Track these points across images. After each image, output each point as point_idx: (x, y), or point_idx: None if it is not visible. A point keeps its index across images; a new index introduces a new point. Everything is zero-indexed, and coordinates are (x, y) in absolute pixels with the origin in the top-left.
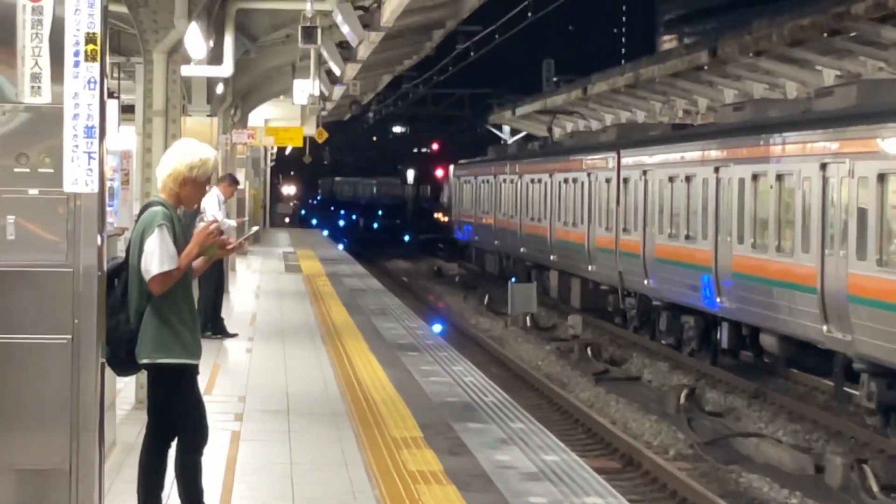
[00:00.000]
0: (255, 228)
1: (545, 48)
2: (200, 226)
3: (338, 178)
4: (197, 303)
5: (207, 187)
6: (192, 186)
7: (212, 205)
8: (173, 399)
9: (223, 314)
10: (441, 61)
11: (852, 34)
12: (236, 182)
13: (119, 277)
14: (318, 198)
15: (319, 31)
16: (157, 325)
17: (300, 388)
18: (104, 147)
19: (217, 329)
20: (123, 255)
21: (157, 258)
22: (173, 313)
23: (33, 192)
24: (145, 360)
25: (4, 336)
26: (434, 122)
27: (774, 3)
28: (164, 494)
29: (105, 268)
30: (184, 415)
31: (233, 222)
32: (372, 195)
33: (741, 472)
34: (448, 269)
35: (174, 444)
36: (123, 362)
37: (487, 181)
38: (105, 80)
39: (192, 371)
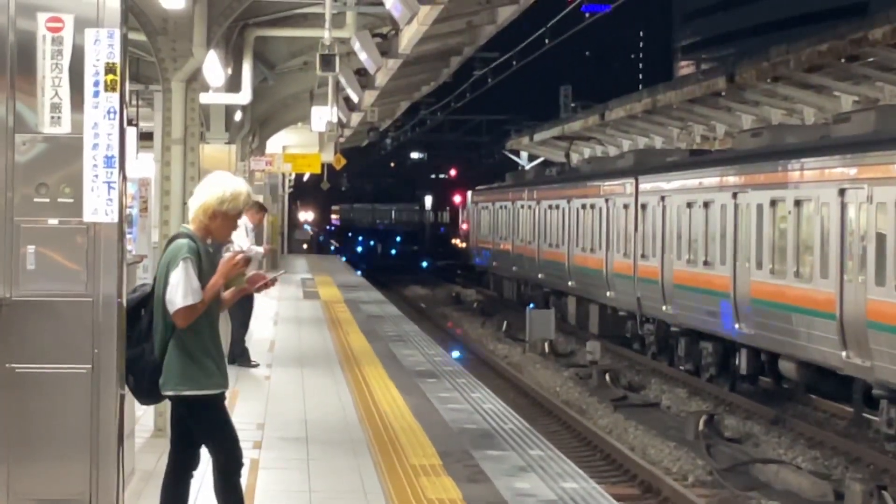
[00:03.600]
0: (282, 271)
1: (562, 74)
2: (226, 256)
3: (356, 205)
4: (231, 334)
5: (238, 221)
6: (222, 220)
7: (239, 233)
8: (202, 429)
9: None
10: (458, 88)
11: (870, 60)
12: (264, 209)
13: (146, 307)
14: (335, 224)
15: (337, 58)
16: (181, 356)
17: (319, 415)
18: (123, 176)
19: (243, 360)
20: (149, 284)
21: (181, 292)
22: (198, 345)
23: (53, 221)
24: (170, 392)
25: (25, 365)
26: (452, 148)
27: (792, 29)
28: None
29: (125, 297)
30: (217, 442)
31: (260, 249)
32: (389, 221)
33: (760, 498)
34: (466, 295)
35: (195, 472)
36: (147, 391)
37: (505, 207)
38: (125, 110)
39: (220, 399)
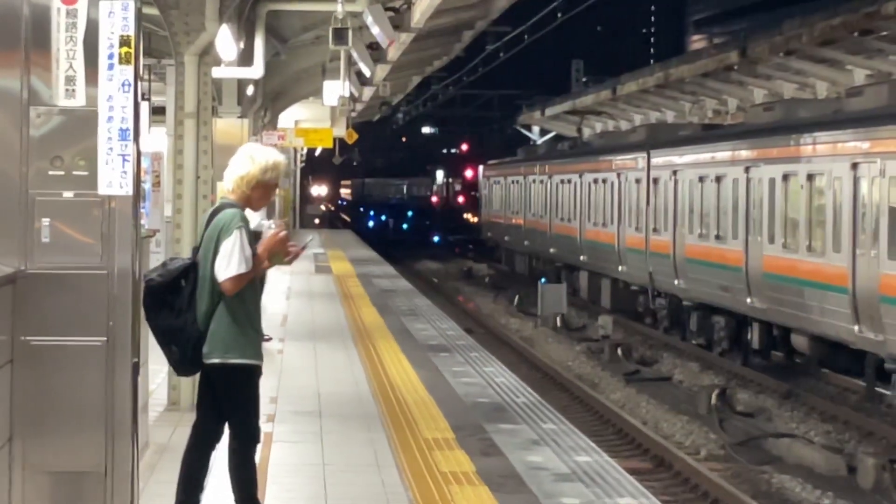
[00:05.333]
0: (311, 238)
1: (574, 49)
2: (269, 233)
3: (367, 180)
4: None
5: (275, 191)
6: (263, 189)
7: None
8: (234, 399)
9: None
10: (471, 62)
11: (883, 33)
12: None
13: (187, 277)
14: (346, 199)
15: (350, 32)
16: (229, 325)
17: (332, 389)
18: (138, 149)
19: None
20: (186, 256)
21: (235, 259)
22: (245, 315)
23: (68, 194)
24: (216, 360)
25: (40, 338)
26: (463, 122)
27: (804, 3)
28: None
29: (139, 270)
30: (244, 414)
31: (265, 222)
32: (401, 196)
33: (773, 472)
34: (478, 269)
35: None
36: (191, 361)
37: (517, 181)
38: (139, 83)
39: (258, 372)
